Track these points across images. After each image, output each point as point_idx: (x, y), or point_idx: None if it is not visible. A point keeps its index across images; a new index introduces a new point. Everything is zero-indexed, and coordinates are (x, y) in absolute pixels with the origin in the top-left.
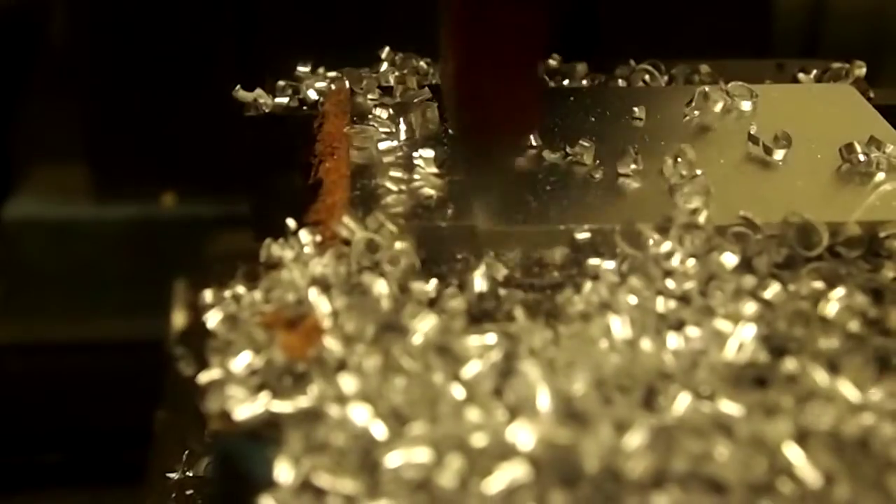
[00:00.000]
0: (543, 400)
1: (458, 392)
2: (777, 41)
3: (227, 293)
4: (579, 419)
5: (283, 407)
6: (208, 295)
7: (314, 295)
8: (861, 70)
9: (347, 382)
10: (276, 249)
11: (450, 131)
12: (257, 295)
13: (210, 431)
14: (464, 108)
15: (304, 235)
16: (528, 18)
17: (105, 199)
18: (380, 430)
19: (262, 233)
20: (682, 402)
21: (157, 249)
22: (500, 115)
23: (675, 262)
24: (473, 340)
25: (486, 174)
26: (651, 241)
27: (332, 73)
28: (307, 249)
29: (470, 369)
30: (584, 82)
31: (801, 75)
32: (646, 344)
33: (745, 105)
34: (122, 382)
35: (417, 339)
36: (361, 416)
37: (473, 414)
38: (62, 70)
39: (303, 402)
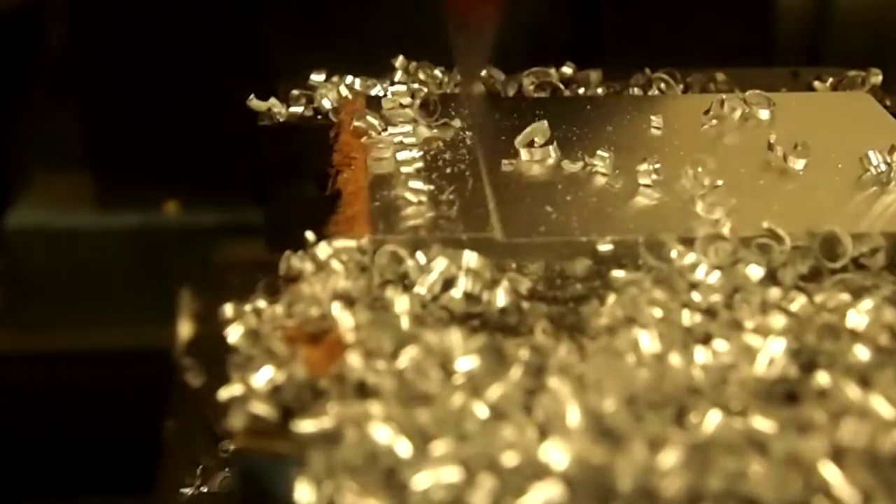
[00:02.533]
0: (574, 417)
1: (485, 410)
2: (780, 49)
3: (248, 307)
4: (612, 437)
5: (306, 426)
6: (228, 309)
7: (337, 310)
8: (877, 78)
9: (371, 402)
10: (296, 262)
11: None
12: (279, 309)
13: (232, 449)
14: None
15: (324, 248)
16: None
17: (108, 207)
18: (405, 449)
19: (276, 244)
20: (713, 419)
21: (161, 258)
22: None
23: (700, 274)
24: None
25: (505, 183)
26: (675, 253)
27: (347, 82)
28: (328, 261)
29: (497, 386)
30: (600, 91)
31: (816, 83)
32: (674, 359)
33: (763, 114)
34: (127, 393)
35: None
36: (385, 435)
37: (504, 432)
38: (64, 76)
39: (325, 421)
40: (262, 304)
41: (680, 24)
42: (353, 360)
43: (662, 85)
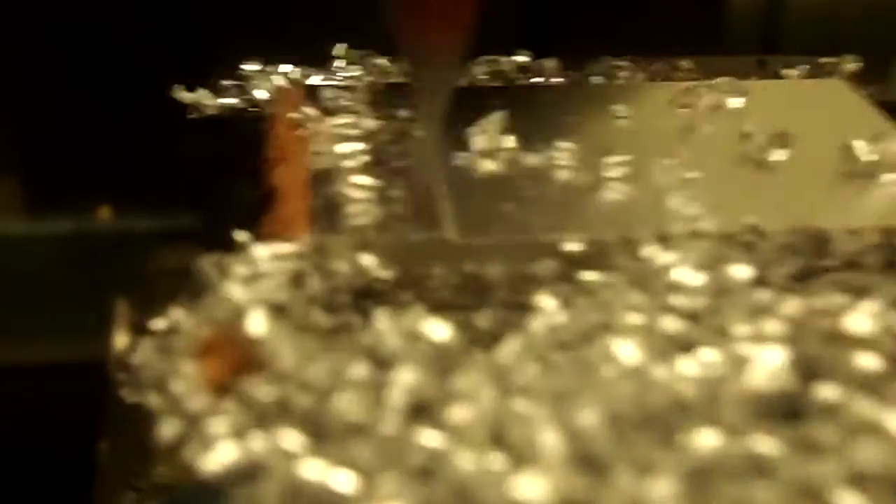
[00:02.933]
0: (549, 442)
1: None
2: (735, 40)
3: (161, 320)
4: (593, 465)
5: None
6: (145, 320)
7: (254, 319)
8: (852, 66)
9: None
10: (222, 266)
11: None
12: (194, 319)
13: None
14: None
15: (258, 250)
16: None
17: (36, 213)
18: (348, 486)
19: (210, 247)
20: (708, 440)
21: (94, 266)
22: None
23: (679, 275)
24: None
25: (459, 179)
26: (651, 252)
27: (283, 71)
28: (261, 266)
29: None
30: (556, 80)
31: (785, 71)
32: (658, 370)
33: (735, 102)
34: (58, 409)
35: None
36: (316, 471)
37: (467, 462)
38: None
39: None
40: (178, 314)
41: (629, 12)
42: (259, 378)
43: (625, 73)
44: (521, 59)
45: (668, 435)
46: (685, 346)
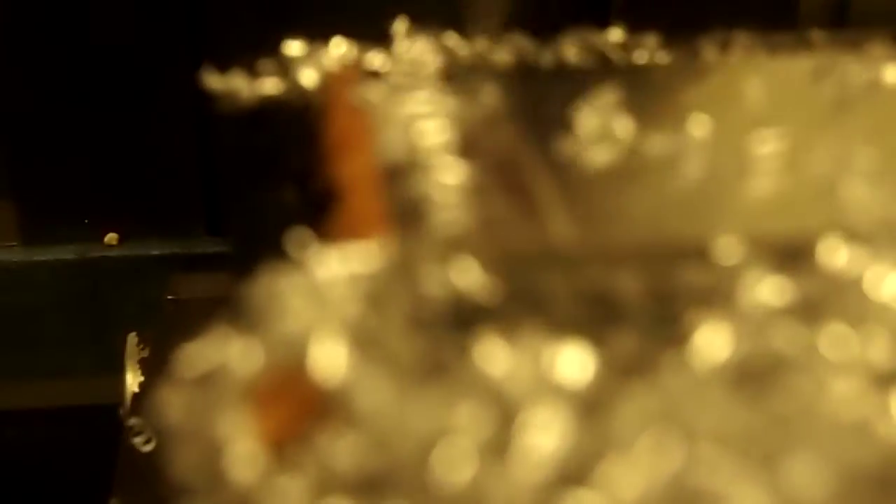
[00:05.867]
0: None
1: None
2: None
3: (195, 357)
4: None
5: None
6: (178, 356)
7: (325, 350)
8: None
9: None
10: (277, 282)
11: None
12: (243, 354)
13: None
14: None
15: (323, 261)
16: None
17: (35, 241)
18: None
19: (243, 269)
20: None
21: (100, 298)
22: None
23: (878, 284)
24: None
25: (567, 171)
26: (833, 255)
27: (334, 50)
28: (328, 281)
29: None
30: (661, 58)
31: None
32: (882, 415)
33: (892, 74)
34: (62, 459)
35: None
36: None
37: None
38: None
39: None
40: (223, 346)
41: None
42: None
43: (741, 48)
44: (614, 34)
45: None
46: None
